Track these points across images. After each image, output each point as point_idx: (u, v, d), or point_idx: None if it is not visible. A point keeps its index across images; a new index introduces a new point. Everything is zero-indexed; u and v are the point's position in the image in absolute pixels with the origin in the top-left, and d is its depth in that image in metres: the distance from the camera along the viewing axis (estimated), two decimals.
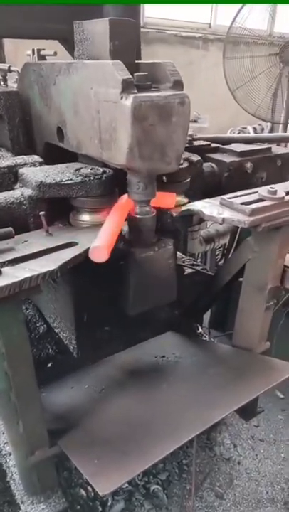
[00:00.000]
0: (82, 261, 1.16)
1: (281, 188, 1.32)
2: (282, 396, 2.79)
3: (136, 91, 0.94)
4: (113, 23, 1.07)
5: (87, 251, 1.01)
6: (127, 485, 2.17)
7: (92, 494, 2.03)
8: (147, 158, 0.99)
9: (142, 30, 5.04)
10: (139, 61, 1.13)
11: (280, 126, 3.91)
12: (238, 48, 3.95)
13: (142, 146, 0.96)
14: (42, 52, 2.66)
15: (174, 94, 0.97)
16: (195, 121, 4.04)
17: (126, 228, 1.24)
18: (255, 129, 3.03)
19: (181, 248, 2.29)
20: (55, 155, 1.32)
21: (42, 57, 2.66)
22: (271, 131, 3.09)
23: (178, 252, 2.20)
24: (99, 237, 1.03)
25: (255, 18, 4.18)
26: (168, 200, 1.22)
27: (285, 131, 3.68)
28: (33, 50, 2.69)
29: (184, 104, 0.99)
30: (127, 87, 0.92)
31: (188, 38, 5.19)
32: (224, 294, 1.87)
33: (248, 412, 1.81)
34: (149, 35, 5.01)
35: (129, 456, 1.07)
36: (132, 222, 1.16)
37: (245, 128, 2.87)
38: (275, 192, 1.27)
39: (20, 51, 3.05)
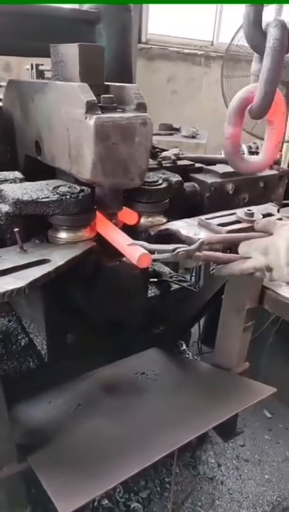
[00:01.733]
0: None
1: (259, 210, 1.33)
2: (269, 415, 2.77)
3: (99, 112, 1.00)
4: (82, 47, 1.13)
5: (58, 269, 1.02)
6: (107, 502, 2.15)
7: None
8: (110, 174, 1.05)
9: (144, 46, 5.14)
10: (109, 83, 1.21)
11: None
12: (238, 66, 3.99)
13: (105, 163, 1.02)
14: (40, 67, 2.73)
15: (136, 116, 1.05)
16: (193, 137, 4.08)
17: None
18: (250, 147, 3.05)
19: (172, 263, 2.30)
20: (35, 167, 1.37)
21: (40, 72, 2.72)
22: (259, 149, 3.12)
23: (167, 268, 2.21)
24: (133, 249, 1.04)
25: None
26: (131, 217, 1.30)
27: (280, 150, 3.71)
28: (32, 65, 2.76)
29: (145, 125, 1.05)
30: (90, 107, 0.99)
31: (191, 55, 5.27)
32: (207, 311, 1.88)
33: (227, 432, 1.79)
34: (151, 52, 5.09)
35: (95, 475, 1.07)
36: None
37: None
38: (252, 214, 1.28)
39: (23, 66, 3.14)
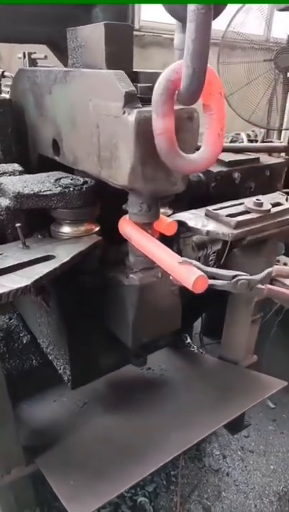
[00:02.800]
0: (76, 287, 1.12)
1: (267, 199, 1.29)
2: (273, 406, 2.76)
3: (140, 105, 0.85)
4: (109, 27, 1.00)
5: (64, 265, 0.97)
6: None
7: None
8: (151, 179, 0.90)
9: (137, 33, 5.03)
10: (137, 70, 1.04)
11: (275, 132, 3.89)
12: (234, 53, 3.92)
13: (146, 166, 0.88)
14: (33, 56, 2.65)
15: (181, 109, 0.89)
16: None
17: (117, 251, 1.19)
18: (249, 136, 3.00)
19: None
20: (50, 168, 1.25)
21: (33, 61, 2.64)
22: (264, 137, 3.07)
23: None
24: (186, 270, 0.89)
25: (252, 23, 4.17)
26: (168, 226, 1.13)
27: (279, 137, 3.67)
28: (24, 54, 2.67)
29: (192, 119, 0.91)
30: (130, 100, 0.84)
31: None
32: (212, 304, 1.84)
33: (234, 426, 1.77)
34: (144, 39, 4.99)
35: (107, 478, 1.04)
36: (134, 247, 1.07)
37: (239, 134, 2.84)
38: (261, 204, 1.24)
39: (14, 56, 3.03)
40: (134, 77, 1.00)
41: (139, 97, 0.87)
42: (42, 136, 1.27)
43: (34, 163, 1.37)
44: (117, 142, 0.89)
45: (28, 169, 1.34)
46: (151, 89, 0.89)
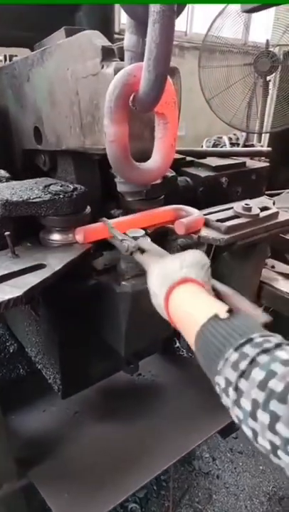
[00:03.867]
0: (68, 295, 1.10)
1: (255, 203, 1.30)
2: None
3: (117, 59, 0.84)
4: (68, 31, 1.03)
5: (56, 274, 0.96)
6: None
7: None
8: (137, 137, 0.88)
9: (117, 37, 5.02)
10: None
11: (255, 135, 3.94)
12: (214, 57, 3.96)
13: (130, 122, 0.84)
14: (14, 59, 2.61)
15: None
16: None
17: (108, 258, 1.18)
18: (230, 139, 3.04)
19: None
20: (33, 163, 1.27)
21: None
22: (246, 140, 3.11)
23: None
24: None
25: (231, 27, 4.22)
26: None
27: (259, 140, 3.72)
28: (5, 56, 2.62)
29: (173, 74, 0.89)
30: (107, 54, 0.83)
31: None
32: None
33: (225, 429, 1.77)
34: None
35: (102, 489, 1.02)
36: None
37: (221, 138, 2.87)
38: (250, 209, 1.25)
39: None
40: None
41: (119, 58, 0.87)
42: (24, 128, 1.26)
43: (19, 161, 1.36)
44: (98, 101, 0.87)
45: (13, 171, 1.32)
46: None
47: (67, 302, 1.15)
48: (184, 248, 3.08)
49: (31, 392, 1.54)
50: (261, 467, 2.40)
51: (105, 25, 1.72)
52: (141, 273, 1.10)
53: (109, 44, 0.86)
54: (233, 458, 2.45)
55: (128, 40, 0.85)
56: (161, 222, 1.23)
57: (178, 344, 1.96)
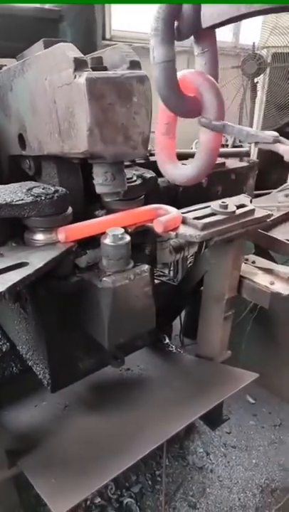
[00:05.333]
0: (54, 292, 1.16)
1: (233, 201, 1.36)
2: (253, 401, 2.84)
3: (89, 69, 0.90)
4: (47, 42, 1.07)
5: (37, 271, 1.01)
6: (99, 499, 2.16)
7: None
8: (110, 142, 0.93)
9: (109, 42, 5.10)
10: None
11: None
12: None
13: (103, 128, 0.91)
14: (4, 68, 2.68)
15: (131, 72, 0.93)
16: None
17: (91, 256, 1.23)
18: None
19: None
20: (20, 168, 1.31)
21: None
22: (234, 141, 3.18)
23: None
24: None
25: (222, 29, 4.30)
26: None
27: None
28: None
29: (143, 82, 0.94)
30: (79, 65, 0.88)
31: None
32: (188, 303, 1.90)
33: (213, 420, 1.83)
34: None
35: (86, 474, 1.08)
36: (105, 250, 1.13)
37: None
38: (226, 206, 1.31)
39: None
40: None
41: (91, 68, 0.92)
42: (9, 136, 1.31)
43: (5, 166, 1.41)
44: (73, 109, 0.92)
45: (1, 176, 1.38)
46: (101, 59, 0.98)
47: (52, 299, 1.21)
48: (176, 249, 3.14)
49: (24, 389, 1.60)
50: (254, 461, 2.45)
51: (88, 35, 1.80)
52: (122, 269, 1.17)
53: (81, 56, 0.91)
54: (226, 452, 2.51)
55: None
56: (142, 221, 1.28)
57: (167, 340, 2.01)
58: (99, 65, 0.97)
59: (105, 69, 0.97)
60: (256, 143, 0.94)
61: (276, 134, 0.96)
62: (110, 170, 1.04)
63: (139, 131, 0.98)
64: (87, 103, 0.88)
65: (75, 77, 0.89)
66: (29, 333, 1.38)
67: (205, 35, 1.05)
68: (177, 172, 1.18)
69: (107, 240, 1.12)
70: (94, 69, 0.93)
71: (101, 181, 1.06)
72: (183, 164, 1.32)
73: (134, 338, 1.33)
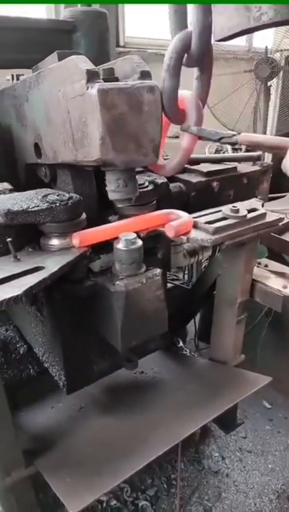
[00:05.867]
0: (68, 295, 1.19)
1: (244, 206, 1.37)
2: (269, 406, 2.81)
3: (101, 80, 0.94)
4: (60, 54, 1.13)
5: (53, 275, 1.05)
6: (115, 502, 2.17)
7: None
8: (122, 150, 0.97)
9: (123, 49, 5.16)
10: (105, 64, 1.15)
11: None
12: (218, 64, 4.06)
13: (115, 137, 0.94)
14: (21, 78, 2.75)
15: (141, 83, 0.97)
16: (176, 137, 4.11)
17: (105, 260, 1.26)
18: (233, 145, 3.11)
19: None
20: (36, 176, 1.36)
21: None
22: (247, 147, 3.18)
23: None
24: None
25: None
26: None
27: None
28: (12, 76, 2.78)
29: (153, 92, 0.98)
30: (91, 76, 0.92)
31: None
32: (201, 307, 1.91)
33: (228, 424, 1.83)
34: (130, 55, 5.12)
35: (100, 474, 1.10)
36: (118, 254, 1.16)
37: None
38: (237, 210, 1.32)
39: (3, 77, 3.14)
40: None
41: (103, 79, 0.96)
42: (25, 145, 1.35)
43: (22, 175, 1.46)
44: (86, 119, 0.96)
45: (17, 184, 1.42)
46: (112, 71, 1.01)
47: (67, 302, 1.25)
48: (190, 253, 3.15)
49: (41, 391, 1.64)
50: (270, 466, 2.43)
51: (101, 44, 1.84)
52: (134, 273, 1.19)
53: (93, 67, 0.95)
54: (242, 457, 2.49)
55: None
56: (154, 226, 1.31)
57: (181, 344, 2.03)
58: (110, 76, 1.00)
59: (117, 79, 1.00)
60: (221, 138, 1.14)
61: (235, 132, 1.17)
62: (122, 177, 1.07)
63: (150, 139, 1.01)
64: (99, 113, 0.92)
65: (87, 88, 0.93)
66: (45, 336, 1.42)
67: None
68: (159, 164, 1.29)
69: (120, 245, 1.14)
70: (106, 80, 0.96)
71: (113, 188, 1.09)
72: (165, 159, 1.46)
73: (146, 341, 1.36)
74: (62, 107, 1.04)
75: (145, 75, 1.02)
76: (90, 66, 0.94)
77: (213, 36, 1.04)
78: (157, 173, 1.33)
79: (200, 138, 1.17)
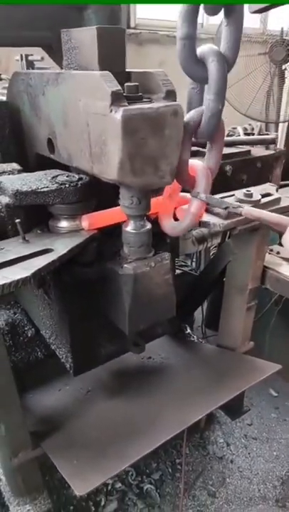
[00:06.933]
0: (76, 277, 1.17)
1: (257, 190, 1.34)
2: (275, 394, 2.81)
3: (126, 103, 0.90)
4: (101, 31, 1.03)
5: (62, 257, 1.03)
6: (120, 484, 2.20)
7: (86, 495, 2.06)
8: (139, 173, 0.94)
9: (134, 31, 5.06)
10: (130, 70, 1.10)
11: (273, 124, 3.92)
12: None
13: (134, 161, 0.92)
14: (30, 58, 2.71)
15: (166, 106, 0.92)
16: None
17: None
18: (245, 129, 3.04)
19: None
20: (47, 165, 1.30)
21: (30, 63, 2.70)
22: (260, 130, 3.11)
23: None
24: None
25: (249, 16, 4.19)
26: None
27: (276, 129, 3.69)
28: (22, 56, 2.73)
29: (177, 115, 0.94)
30: (116, 99, 0.88)
31: None
32: (210, 293, 1.90)
33: (234, 411, 1.83)
34: (141, 37, 5.01)
35: (107, 457, 1.10)
36: (127, 237, 1.14)
37: (235, 128, 2.88)
38: (251, 195, 1.29)
39: (12, 58, 3.09)
40: (127, 77, 1.06)
41: (126, 96, 0.91)
42: (38, 136, 1.31)
43: (32, 161, 1.42)
44: (106, 139, 0.93)
45: (26, 168, 1.39)
46: (137, 88, 0.96)
47: (76, 285, 1.23)
48: (199, 240, 3.13)
49: (48, 374, 1.64)
50: (275, 453, 2.44)
51: (113, 23, 1.78)
52: (142, 256, 1.17)
53: (119, 88, 0.90)
54: (247, 444, 2.50)
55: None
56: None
57: (188, 330, 2.01)
58: (134, 94, 0.95)
59: (140, 98, 0.96)
60: (227, 207, 1.08)
61: (240, 204, 1.11)
62: (136, 195, 1.04)
63: (168, 162, 0.98)
64: (121, 139, 0.88)
65: (111, 110, 0.88)
66: (52, 319, 1.41)
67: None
68: (169, 225, 1.22)
69: (129, 228, 1.12)
70: (129, 98, 0.92)
71: (127, 204, 1.06)
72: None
73: (154, 325, 1.34)
74: (82, 117, 1.00)
75: (170, 94, 0.98)
76: (116, 87, 0.89)
77: (248, 8, 0.98)
78: (167, 233, 1.30)
79: (207, 204, 1.14)
